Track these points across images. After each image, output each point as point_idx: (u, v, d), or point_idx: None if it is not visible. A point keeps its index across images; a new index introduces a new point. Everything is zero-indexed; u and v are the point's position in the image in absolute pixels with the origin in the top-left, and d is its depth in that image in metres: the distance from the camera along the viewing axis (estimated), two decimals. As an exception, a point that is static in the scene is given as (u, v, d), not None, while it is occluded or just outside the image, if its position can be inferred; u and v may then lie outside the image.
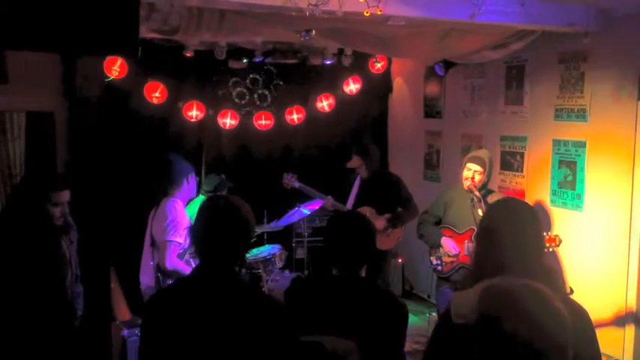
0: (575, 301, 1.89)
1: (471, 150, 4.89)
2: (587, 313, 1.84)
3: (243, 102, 5.99)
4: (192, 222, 2.11)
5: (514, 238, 1.88)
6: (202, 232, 2.02)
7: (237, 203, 2.06)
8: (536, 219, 1.99)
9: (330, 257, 2.30)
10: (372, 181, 5.01)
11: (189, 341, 1.89)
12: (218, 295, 1.94)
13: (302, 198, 5.21)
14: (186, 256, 3.66)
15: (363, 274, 2.31)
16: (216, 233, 1.99)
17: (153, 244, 3.66)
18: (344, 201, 5.04)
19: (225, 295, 1.95)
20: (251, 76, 5.99)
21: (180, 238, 3.56)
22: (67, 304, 3.26)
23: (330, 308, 2.19)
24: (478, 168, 4.14)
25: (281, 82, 6.10)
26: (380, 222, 4.87)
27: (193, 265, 3.56)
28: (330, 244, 2.31)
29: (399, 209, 5.00)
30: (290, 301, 2.33)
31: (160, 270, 3.56)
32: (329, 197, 5.00)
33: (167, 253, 3.51)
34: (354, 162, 4.97)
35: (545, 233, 4.02)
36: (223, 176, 4.63)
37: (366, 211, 4.92)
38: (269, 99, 6.07)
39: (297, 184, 5.05)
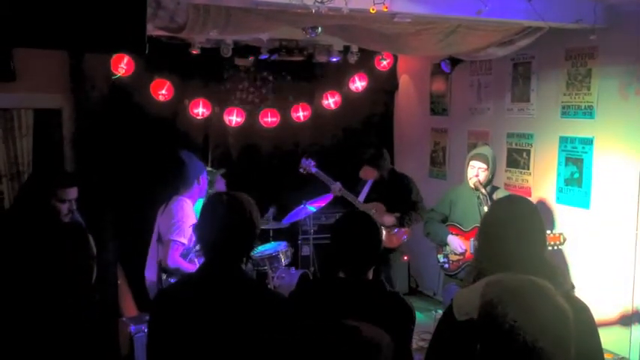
0: (576, 297, 1.89)
1: (474, 147, 4.88)
2: (589, 309, 1.84)
3: (249, 99, 6.00)
4: (197, 219, 2.11)
5: (516, 235, 1.88)
6: (207, 229, 2.02)
7: (241, 199, 2.06)
8: (538, 216, 1.99)
9: (337, 260, 2.28)
10: (384, 181, 4.98)
11: (197, 337, 1.90)
12: (224, 291, 1.95)
13: (308, 195, 5.21)
14: (191, 255, 3.68)
15: (370, 276, 2.30)
16: (220, 230, 1.99)
17: (159, 239, 3.69)
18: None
19: (231, 292, 1.95)
20: (257, 73, 5.99)
21: (185, 238, 3.58)
22: (89, 301, 3.28)
23: (337, 311, 2.18)
24: (482, 165, 4.14)
25: (287, 80, 6.10)
26: (388, 218, 4.86)
27: (197, 264, 3.59)
28: (336, 247, 2.29)
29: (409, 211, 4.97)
30: (296, 304, 2.33)
31: (162, 267, 3.59)
32: (337, 183, 4.98)
33: (170, 251, 3.53)
34: (367, 174, 4.86)
35: (549, 231, 4.02)
36: (209, 168, 4.63)
37: (375, 206, 4.91)
38: (275, 96, 6.07)
39: (314, 170, 5.04)
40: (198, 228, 2.06)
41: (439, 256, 4.36)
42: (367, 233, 2.27)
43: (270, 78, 6.06)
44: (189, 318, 1.92)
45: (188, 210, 3.68)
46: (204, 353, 1.90)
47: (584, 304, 1.84)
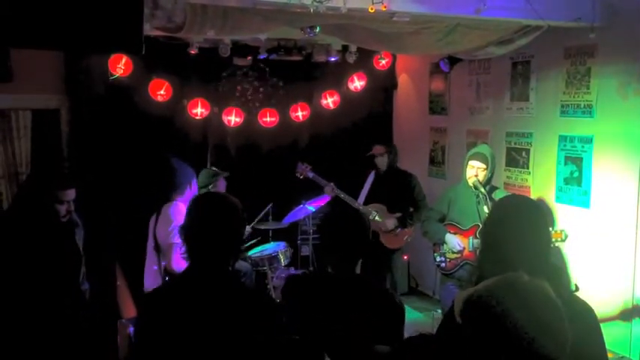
0: (579, 298, 1.87)
1: (473, 146, 4.87)
2: (593, 311, 1.83)
3: (247, 99, 5.99)
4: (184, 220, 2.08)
5: (520, 236, 1.85)
6: (193, 230, 2.00)
7: (227, 200, 2.04)
8: (542, 217, 1.96)
9: (324, 255, 2.29)
10: (387, 177, 4.98)
11: (182, 339, 1.88)
12: (210, 293, 1.93)
13: (307, 195, 5.20)
14: None
15: (358, 270, 2.31)
16: (206, 231, 1.97)
17: (157, 248, 3.67)
18: (355, 197, 5.01)
19: (217, 294, 1.93)
20: (255, 73, 5.98)
21: None
22: (80, 300, 3.28)
23: (325, 306, 2.18)
24: (481, 164, 4.13)
25: (285, 79, 6.08)
26: (390, 221, 4.85)
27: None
28: (322, 243, 2.30)
29: (411, 209, 4.97)
30: (286, 300, 2.32)
31: (168, 273, 3.57)
32: (330, 184, 4.99)
33: (173, 256, 3.51)
34: (378, 149, 4.97)
35: (550, 229, 4.01)
36: (214, 168, 4.62)
37: (377, 208, 4.90)
38: (274, 96, 6.06)
39: (310, 175, 5.07)
40: (184, 229, 2.03)
41: (435, 255, 4.35)
42: (350, 227, 2.26)
43: (269, 78, 6.05)
44: (175, 319, 1.90)
45: (184, 212, 3.67)
46: (190, 355, 1.89)
47: (589, 306, 1.82)
